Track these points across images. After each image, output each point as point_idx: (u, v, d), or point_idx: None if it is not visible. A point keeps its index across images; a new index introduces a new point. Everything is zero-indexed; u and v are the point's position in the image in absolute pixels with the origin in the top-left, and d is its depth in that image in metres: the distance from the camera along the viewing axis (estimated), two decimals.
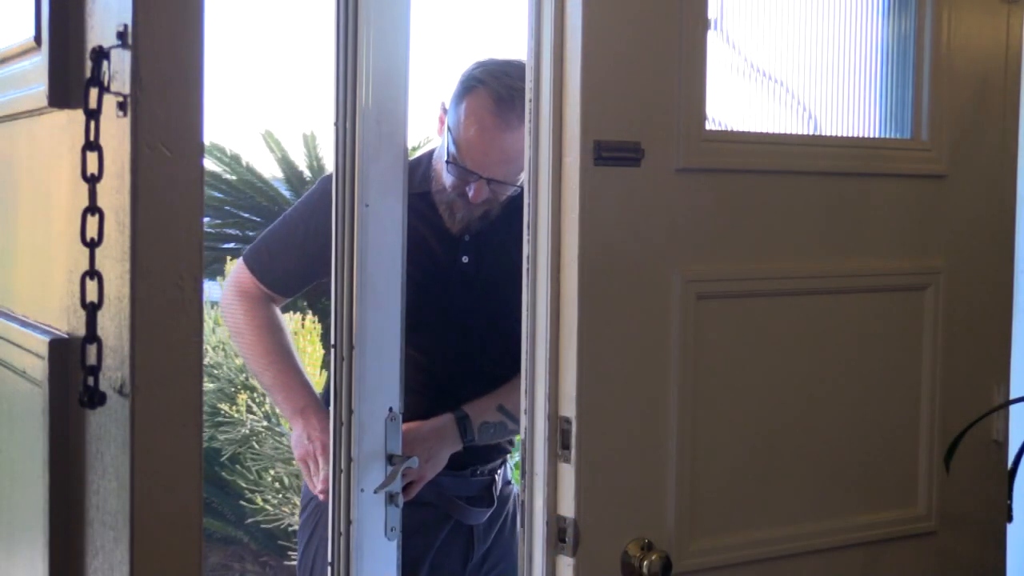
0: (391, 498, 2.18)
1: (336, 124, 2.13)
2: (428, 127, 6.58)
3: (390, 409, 2.18)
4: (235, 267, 2.48)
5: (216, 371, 5.13)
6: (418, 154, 2.47)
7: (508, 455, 2.53)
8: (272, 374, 2.41)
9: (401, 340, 2.19)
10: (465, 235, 2.35)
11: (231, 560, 5.37)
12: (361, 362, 2.15)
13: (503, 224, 2.32)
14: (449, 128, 2.27)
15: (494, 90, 2.22)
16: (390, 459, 2.18)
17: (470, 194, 2.26)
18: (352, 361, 2.14)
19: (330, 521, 2.17)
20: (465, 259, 2.35)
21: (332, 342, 2.16)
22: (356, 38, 2.11)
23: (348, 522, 2.16)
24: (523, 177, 2.23)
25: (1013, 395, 2.07)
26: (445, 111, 2.31)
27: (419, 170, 2.39)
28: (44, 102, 1.58)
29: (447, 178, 2.29)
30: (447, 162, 2.27)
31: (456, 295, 2.36)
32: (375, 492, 2.15)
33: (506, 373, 2.29)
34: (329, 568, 2.19)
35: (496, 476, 2.49)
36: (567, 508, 1.68)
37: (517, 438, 2.36)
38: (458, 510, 2.41)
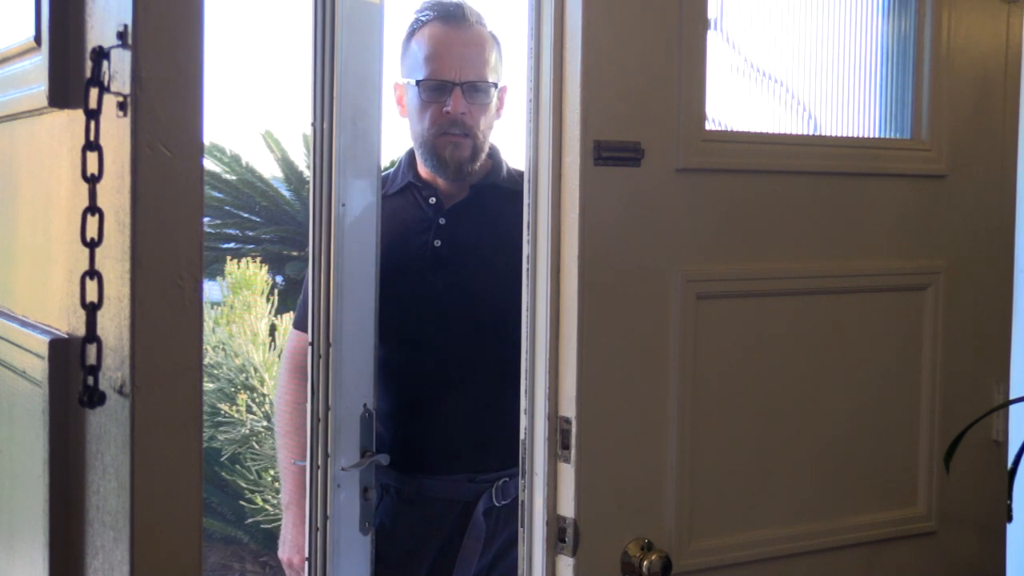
0: (364, 493, 2.20)
1: (313, 125, 2.15)
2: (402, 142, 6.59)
3: (364, 405, 2.19)
4: (288, 337, 2.50)
5: (216, 371, 5.13)
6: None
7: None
8: (284, 453, 2.44)
9: (375, 338, 2.21)
10: (440, 218, 2.35)
11: (231, 560, 5.37)
12: (338, 359, 2.16)
13: (477, 210, 2.35)
14: (410, 69, 2.31)
15: (438, 15, 2.30)
16: (363, 455, 2.20)
17: (447, 110, 2.26)
18: (329, 358, 2.15)
19: (307, 517, 2.19)
20: (437, 243, 2.35)
21: (310, 340, 2.18)
22: (332, 40, 2.12)
23: (325, 518, 2.17)
24: (493, 75, 2.29)
25: (1013, 395, 2.07)
26: (400, 89, 2.35)
27: (400, 168, 2.43)
28: (44, 102, 1.57)
29: (423, 117, 2.29)
30: (419, 83, 2.28)
31: (432, 280, 2.35)
32: (343, 469, 2.17)
33: (504, 369, 2.14)
34: (307, 564, 2.20)
35: (496, 485, 2.36)
36: (567, 508, 1.68)
37: None
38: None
